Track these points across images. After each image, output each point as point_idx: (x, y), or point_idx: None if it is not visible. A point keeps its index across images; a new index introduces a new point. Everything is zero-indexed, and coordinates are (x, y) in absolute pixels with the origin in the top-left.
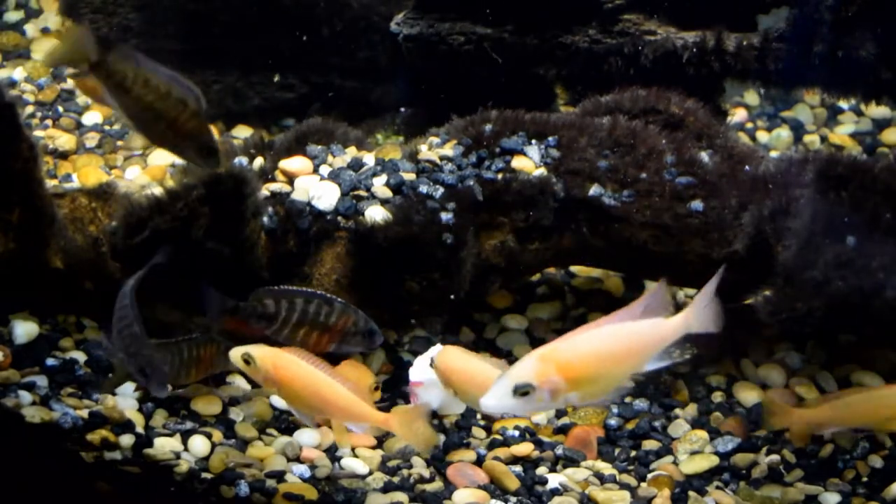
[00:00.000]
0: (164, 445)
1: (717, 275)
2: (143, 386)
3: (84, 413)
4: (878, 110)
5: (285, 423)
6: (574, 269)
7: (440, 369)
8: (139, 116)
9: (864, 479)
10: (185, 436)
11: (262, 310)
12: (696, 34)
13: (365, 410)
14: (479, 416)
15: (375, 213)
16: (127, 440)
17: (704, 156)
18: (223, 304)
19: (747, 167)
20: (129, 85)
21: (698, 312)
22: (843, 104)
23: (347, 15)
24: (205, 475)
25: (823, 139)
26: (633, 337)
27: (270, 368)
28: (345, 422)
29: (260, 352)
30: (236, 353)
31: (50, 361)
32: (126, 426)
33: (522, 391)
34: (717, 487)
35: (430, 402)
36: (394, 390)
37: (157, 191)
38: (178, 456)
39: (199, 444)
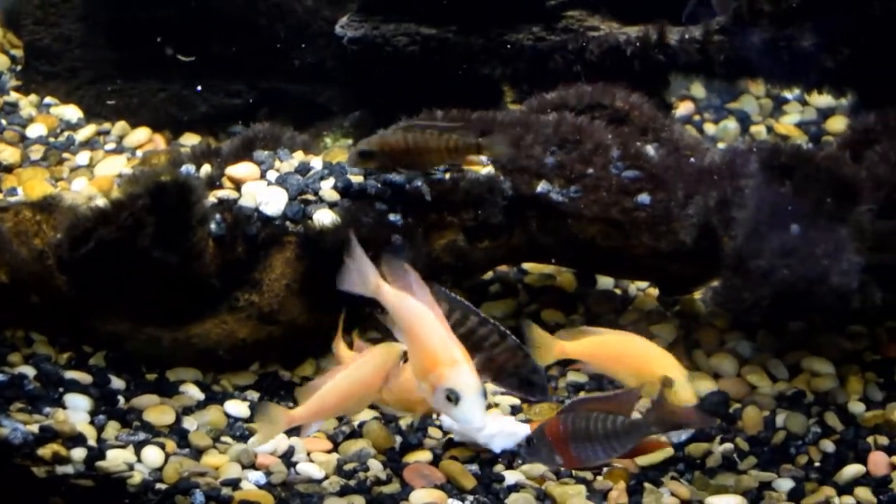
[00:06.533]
0: (117, 457)
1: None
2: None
3: (34, 428)
4: (822, 99)
5: (240, 431)
6: (526, 266)
7: None
8: None
9: (817, 463)
10: (138, 447)
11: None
12: (638, 29)
13: None
14: (434, 416)
15: (324, 217)
16: (79, 453)
17: (650, 149)
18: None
19: (693, 159)
20: None
21: None
22: (788, 94)
23: (292, 20)
24: (159, 486)
25: (770, 129)
26: None
27: None
28: None
29: None
30: None
31: None
32: (78, 439)
33: None
34: (673, 478)
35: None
36: None
37: (102, 201)
38: (131, 468)
39: (152, 454)
